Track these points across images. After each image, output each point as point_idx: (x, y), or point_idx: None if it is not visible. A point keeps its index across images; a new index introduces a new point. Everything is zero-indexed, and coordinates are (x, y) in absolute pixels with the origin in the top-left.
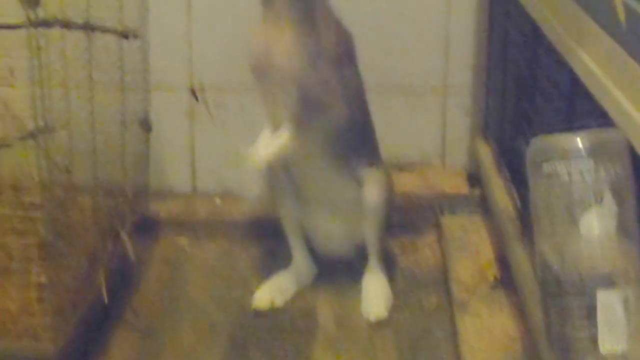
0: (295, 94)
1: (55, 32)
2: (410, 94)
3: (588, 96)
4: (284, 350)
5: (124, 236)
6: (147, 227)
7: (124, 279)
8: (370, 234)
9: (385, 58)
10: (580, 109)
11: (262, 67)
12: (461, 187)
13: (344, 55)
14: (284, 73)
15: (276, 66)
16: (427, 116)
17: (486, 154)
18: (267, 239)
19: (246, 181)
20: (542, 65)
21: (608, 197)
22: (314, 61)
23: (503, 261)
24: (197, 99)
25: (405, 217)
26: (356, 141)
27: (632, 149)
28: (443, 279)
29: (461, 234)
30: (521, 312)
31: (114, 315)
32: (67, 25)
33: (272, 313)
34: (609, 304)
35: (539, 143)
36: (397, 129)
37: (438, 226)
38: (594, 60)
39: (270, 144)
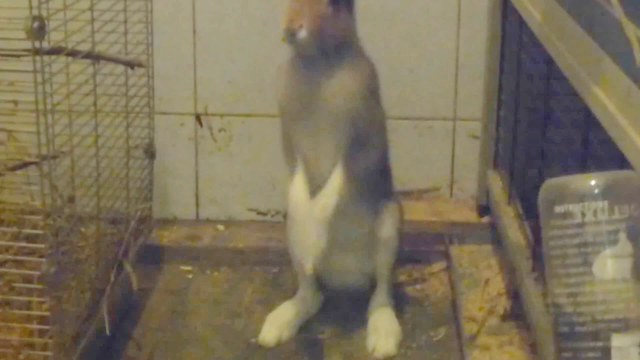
0: (349, 134)
1: (62, 60)
2: (420, 123)
3: (602, 129)
4: None
5: (128, 267)
6: (150, 255)
7: (126, 310)
8: (381, 266)
9: (396, 87)
10: (595, 142)
11: (303, 108)
12: (471, 216)
13: (378, 90)
14: (336, 113)
15: (325, 107)
16: (437, 145)
17: (497, 184)
18: (272, 267)
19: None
20: (555, 96)
21: (623, 239)
22: (363, 99)
23: (513, 293)
24: (201, 124)
25: (413, 246)
26: (380, 175)
27: None
28: (452, 311)
29: (470, 265)
30: (531, 347)
31: (116, 348)
32: (72, 54)
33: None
34: (624, 348)
35: (552, 184)
36: (407, 157)
37: (447, 256)
38: (609, 99)
39: (325, 194)
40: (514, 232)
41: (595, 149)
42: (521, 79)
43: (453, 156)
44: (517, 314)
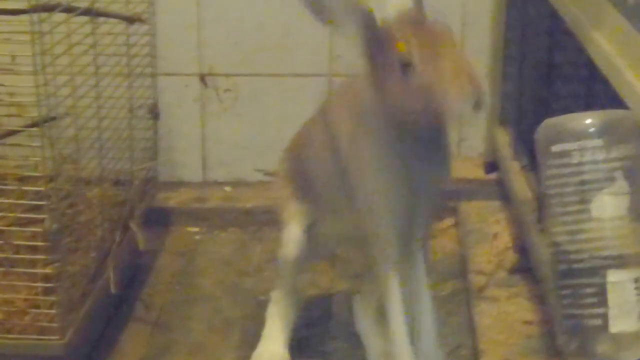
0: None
1: (60, 17)
2: None
3: (606, 84)
4: (297, 341)
5: (134, 227)
6: (157, 218)
7: (134, 271)
8: None
9: None
10: (599, 93)
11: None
12: (478, 173)
13: None
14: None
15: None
16: None
17: (504, 141)
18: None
19: None
20: (560, 49)
21: (620, 178)
22: None
23: (521, 247)
24: (206, 85)
25: None
26: None
27: None
28: (460, 266)
29: (478, 220)
30: (538, 298)
31: (124, 308)
32: (69, 9)
33: None
34: (620, 283)
35: (549, 123)
36: None
37: (455, 212)
38: (607, 41)
39: None
40: (520, 186)
41: (600, 102)
42: (526, 34)
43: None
44: (524, 267)
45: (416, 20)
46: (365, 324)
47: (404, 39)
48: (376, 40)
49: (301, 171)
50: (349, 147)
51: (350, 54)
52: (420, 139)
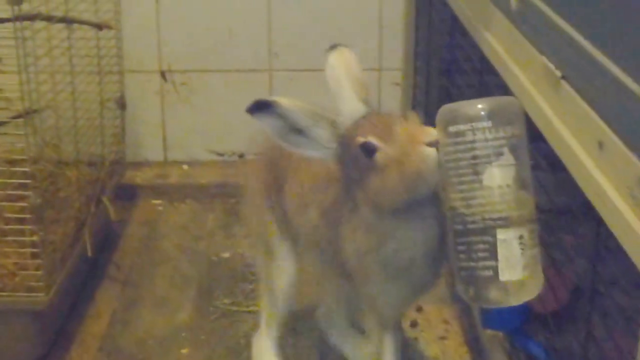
0: None
1: (40, 24)
2: None
3: (496, 75)
4: (245, 295)
5: (105, 201)
6: (126, 193)
7: (107, 238)
8: None
9: (327, 43)
10: (490, 83)
11: None
12: None
13: None
14: None
15: None
16: None
17: None
18: (230, 199)
19: None
20: (458, 47)
21: (506, 153)
22: None
23: None
24: (165, 80)
25: None
26: None
27: (526, 114)
28: None
29: None
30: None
31: (99, 270)
32: (48, 18)
33: (232, 260)
34: (507, 240)
35: (447, 108)
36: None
37: None
38: (496, 40)
39: None
40: None
41: (491, 91)
42: (432, 34)
43: (379, 101)
44: None
45: (371, 117)
46: (337, 333)
47: (362, 132)
48: (343, 146)
49: (279, 212)
50: (347, 249)
51: (286, 51)
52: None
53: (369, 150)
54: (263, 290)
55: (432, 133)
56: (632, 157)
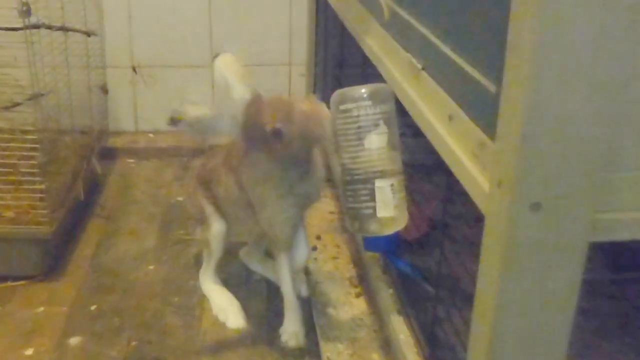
0: None
1: (44, 32)
2: (268, 67)
3: (374, 66)
4: (193, 228)
5: (93, 160)
6: (108, 154)
7: (94, 187)
8: None
9: (253, 44)
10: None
11: None
12: None
13: None
14: None
15: None
16: (280, 80)
17: None
18: (184, 158)
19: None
20: (347, 47)
21: (382, 124)
22: None
23: (327, 167)
24: (136, 73)
25: None
26: None
27: (395, 95)
28: None
29: None
30: (336, 198)
31: (88, 209)
32: (49, 27)
33: (184, 202)
34: (383, 187)
35: (338, 92)
36: (261, 88)
37: None
38: (374, 43)
39: None
40: None
41: (371, 80)
42: (328, 38)
43: (290, 87)
44: (329, 179)
45: (270, 103)
46: (255, 262)
47: (268, 119)
48: (248, 129)
49: (211, 195)
50: (248, 185)
51: (224, 51)
52: (298, 165)
53: (278, 134)
54: (203, 242)
55: (324, 110)
56: (473, 126)
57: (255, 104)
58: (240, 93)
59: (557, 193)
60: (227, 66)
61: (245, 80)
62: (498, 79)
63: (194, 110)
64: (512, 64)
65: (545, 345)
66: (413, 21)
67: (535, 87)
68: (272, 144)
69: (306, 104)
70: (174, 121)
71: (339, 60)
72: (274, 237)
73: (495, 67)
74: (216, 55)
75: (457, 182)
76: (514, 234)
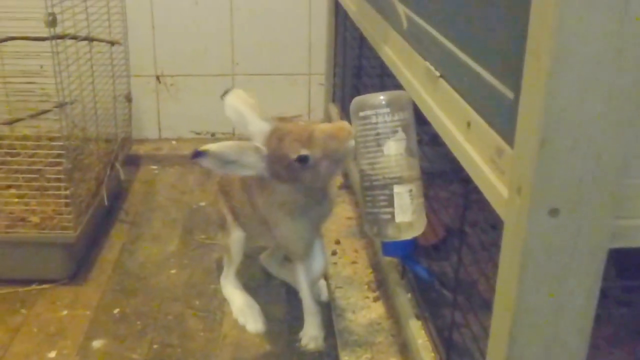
0: None
1: (69, 42)
2: (288, 77)
3: (393, 75)
4: (214, 232)
5: (117, 166)
6: (132, 161)
7: (118, 192)
8: None
9: (274, 55)
10: (388, 84)
11: None
12: None
13: None
14: None
15: None
16: (299, 89)
17: (334, 111)
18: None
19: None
20: (365, 57)
21: (400, 131)
22: None
23: (345, 174)
24: (159, 81)
25: None
26: None
27: (414, 103)
28: None
29: None
30: (354, 203)
31: (112, 214)
32: (75, 37)
33: (206, 207)
34: (401, 193)
35: (358, 99)
36: (282, 98)
37: None
38: (392, 51)
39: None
40: None
41: (389, 89)
42: (346, 48)
43: (309, 96)
44: (347, 185)
45: (290, 131)
46: (275, 266)
47: (292, 148)
48: (271, 161)
49: (231, 205)
50: (263, 208)
51: (245, 61)
52: (317, 191)
53: (303, 160)
54: (224, 248)
55: (346, 127)
56: (491, 133)
57: (275, 135)
58: (258, 126)
59: (576, 199)
60: (239, 100)
61: (260, 111)
62: (516, 86)
63: (217, 146)
64: (531, 71)
65: (564, 351)
66: (431, 29)
67: (554, 93)
68: (298, 171)
69: (326, 125)
70: (197, 154)
71: (357, 70)
72: (289, 251)
73: (513, 74)
74: (225, 92)
75: (474, 189)
76: (533, 239)
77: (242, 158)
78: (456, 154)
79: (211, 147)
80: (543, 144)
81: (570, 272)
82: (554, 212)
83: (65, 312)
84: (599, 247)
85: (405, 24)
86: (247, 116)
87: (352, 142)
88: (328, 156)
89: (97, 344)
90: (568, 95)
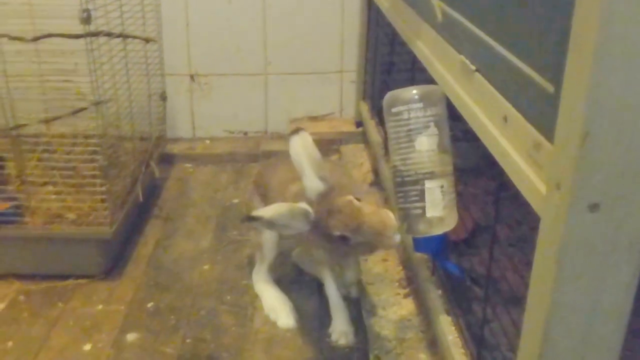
0: None
1: (103, 39)
2: (320, 75)
3: (423, 70)
4: (247, 229)
5: (152, 164)
6: (166, 159)
7: (153, 189)
8: None
9: (306, 53)
10: (420, 78)
11: None
12: (352, 128)
13: None
14: None
15: None
16: (331, 87)
17: (365, 109)
18: (238, 164)
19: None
20: (396, 53)
21: (432, 126)
22: None
23: (375, 170)
24: (193, 80)
25: (319, 147)
26: None
27: (447, 97)
28: None
29: (352, 155)
30: (384, 199)
31: (147, 211)
32: (109, 34)
33: (239, 205)
34: (432, 189)
35: (390, 94)
36: (314, 96)
37: (339, 151)
38: (425, 46)
39: None
40: (374, 135)
41: (419, 83)
42: (378, 45)
43: (341, 94)
44: (377, 182)
45: (340, 210)
46: (307, 262)
47: (338, 227)
48: (317, 227)
49: (265, 205)
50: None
51: (278, 60)
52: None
53: (344, 240)
54: (256, 245)
55: (393, 224)
56: (529, 127)
57: (326, 206)
58: (313, 183)
59: (616, 193)
60: (303, 147)
61: (319, 166)
62: (556, 79)
63: (271, 214)
64: (574, 64)
65: (599, 346)
66: (466, 22)
67: (597, 86)
68: (336, 242)
69: (376, 215)
70: (249, 219)
71: (387, 66)
72: (319, 261)
73: (553, 68)
74: (295, 131)
75: (502, 185)
76: (571, 234)
77: (292, 223)
78: (491, 149)
79: (265, 214)
80: (585, 138)
81: (609, 267)
82: (593, 207)
83: (100, 307)
84: (639, 242)
85: (439, 17)
86: (305, 169)
87: (397, 238)
88: (369, 244)
89: (131, 337)
90: (611, 88)
